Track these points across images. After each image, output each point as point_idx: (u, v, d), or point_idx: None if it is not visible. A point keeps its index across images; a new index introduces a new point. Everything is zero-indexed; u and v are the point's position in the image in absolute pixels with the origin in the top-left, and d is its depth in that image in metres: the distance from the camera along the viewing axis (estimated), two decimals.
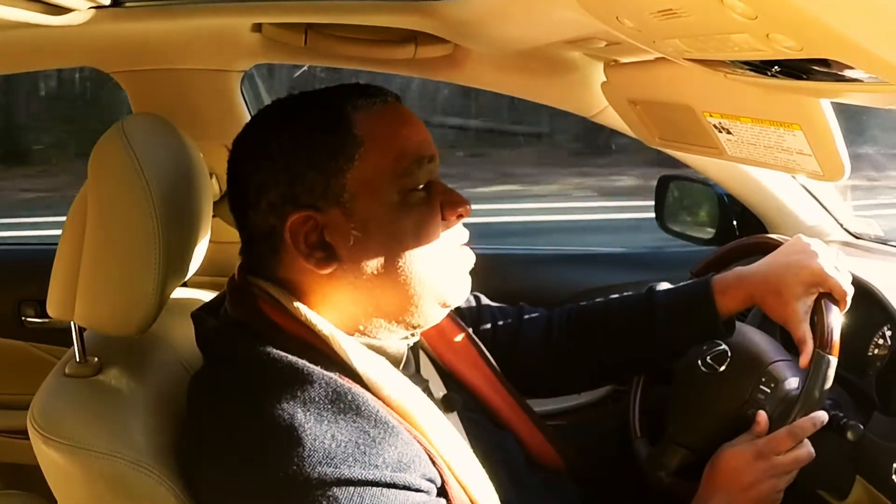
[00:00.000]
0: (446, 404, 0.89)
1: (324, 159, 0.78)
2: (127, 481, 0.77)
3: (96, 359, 0.86)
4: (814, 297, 0.95)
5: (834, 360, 0.91)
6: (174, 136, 0.92)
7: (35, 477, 0.84)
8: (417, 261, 0.80)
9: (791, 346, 0.98)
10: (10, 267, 1.64)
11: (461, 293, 0.86)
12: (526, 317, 1.10)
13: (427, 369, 0.93)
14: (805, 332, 0.94)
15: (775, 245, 1.04)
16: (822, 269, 0.95)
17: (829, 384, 0.90)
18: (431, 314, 0.84)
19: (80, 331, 0.86)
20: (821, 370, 0.90)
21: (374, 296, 0.80)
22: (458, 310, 1.05)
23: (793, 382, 0.97)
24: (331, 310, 0.80)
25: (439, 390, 0.91)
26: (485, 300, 1.11)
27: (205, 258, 0.99)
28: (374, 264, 0.79)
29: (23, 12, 0.90)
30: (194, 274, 0.98)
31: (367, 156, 0.79)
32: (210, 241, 0.99)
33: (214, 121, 1.38)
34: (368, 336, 0.82)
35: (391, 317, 0.82)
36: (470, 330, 1.01)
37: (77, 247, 0.84)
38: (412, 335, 0.86)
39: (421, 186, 0.81)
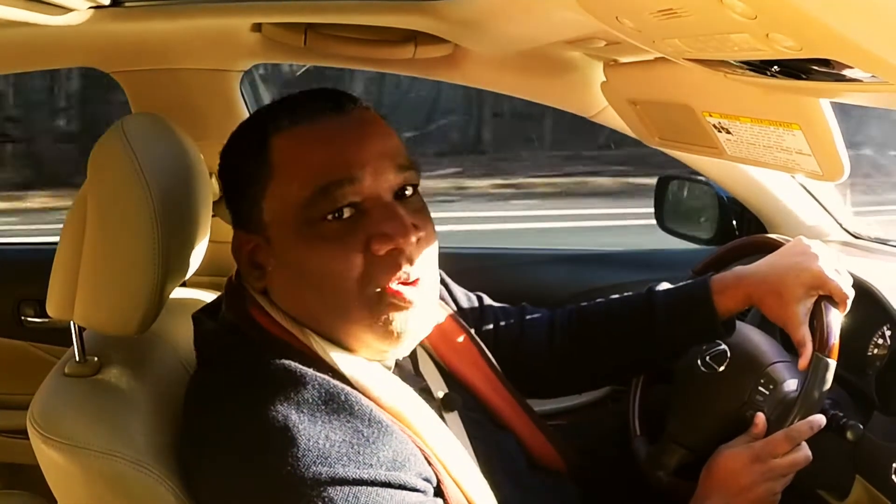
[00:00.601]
0: (446, 403, 0.89)
1: (245, 185, 0.81)
2: (127, 481, 0.77)
3: (96, 358, 0.86)
4: (814, 299, 0.95)
5: (833, 364, 0.90)
6: (174, 136, 0.92)
7: (35, 477, 0.84)
8: (329, 300, 0.77)
9: (791, 347, 0.98)
10: (9, 267, 1.64)
11: (390, 335, 0.78)
12: (528, 318, 1.10)
13: (427, 369, 0.93)
14: (804, 334, 0.93)
15: (775, 245, 1.04)
16: (823, 271, 0.94)
17: (827, 387, 0.90)
18: (376, 349, 0.80)
19: (80, 330, 0.86)
20: (819, 373, 0.90)
21: (312, 321, 0.79)
22: (460, 310, 1.05)
23: (791, 384, 0.97)
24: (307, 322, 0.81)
25: (439, 390, 0.91)
26: (487, 300, 1.11)
27: (204, 258, 0.99)
28: (292, 294, 0.80)
29: (23, 12, 0.90)
30: (194, 274, 0.98)
31: (277, 184, 0.78)
32: (210, 241, 0.99)
33: (214, 121, 1.38)
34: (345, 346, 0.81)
35: (340, 344, 0.79)
36: (472, 330, 1.01)
37: (77, 247, 0.84)
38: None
39: (333, 216, 0.75)
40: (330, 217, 0.75)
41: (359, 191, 0.76)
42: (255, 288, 0.81)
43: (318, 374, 0.75)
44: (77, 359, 0.85)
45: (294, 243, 0.77)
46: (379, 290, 0.76)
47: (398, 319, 0.77)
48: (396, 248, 0.76)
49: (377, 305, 0.77)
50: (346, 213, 0.76)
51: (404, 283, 0.77)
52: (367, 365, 0.79)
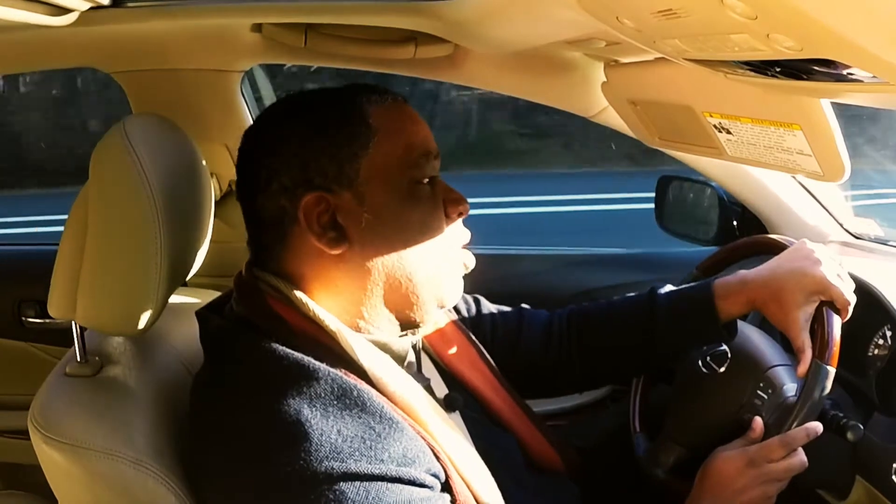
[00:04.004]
0: (447, 403, 0.89)
1: (338, 145, 0.80)
2: (127, 481, 0.77)
3: (97, 358, 0.86)
4: (815, 304, 0.95)
5: (832, 371, 0.90)
6: (175, 136, 0.92)
7: (35, 477, 0.84)
8: (421, 253, 0.82)
9: (792, 348, 0.98)
10: (10, 267, 1.64)
11: (456, 294, 0.87)
12: (526, 319, 1.10)
13: (429, 369, 0.94)
14: (804, 341, 0.93)
15: (776, 245, 1.04)
16: (825, 277, 0.94)
17: (825, 394, 0.90)
18: (430, 312, 0.85)
19: (81, 330, 0.86)
20: (818, 380, 0.90)
21: (378, 283, 0.81)
22: (457, 312, 1.05)
23: (790, 389, 0.97)
24: (335, 297, 0.81)
25: (441, 390, 0.91)
26: (485, 302, 1.11)
27: (205, 258, 0.99)
28: (381, 250, 0.81)
29: (23, 12, 0.90)
30: (195, 274, 0.98)
31: (379, 144, 0.81)
32: (210, 242, 0.99)
33: (214, 121, 1.38)
34: (372, 326, 0.82)
35: (392, 312, 0.83)
36: (470, 332, 1.01)
37: (78, 247, 0.84)
38: (413, 333, 0.86)
39: (426, 181, 0.83)
40: (426, 181, 0.83)
41: (437, 167, 0.85)
42: (332, 251, 0.80)
43: (332, 369, 0.75)
44: (78, 359, 0.85)
45: (395, 198, 0.81)
46: (455, 249, 0.87)
47: (461, 282, 0.88)
48: (462, 213, 0.86)
49: (455, 263, 0.87)
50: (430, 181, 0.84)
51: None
52: (385, 359, 0.80)
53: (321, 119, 0.82)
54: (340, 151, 0.80)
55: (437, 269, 0.84)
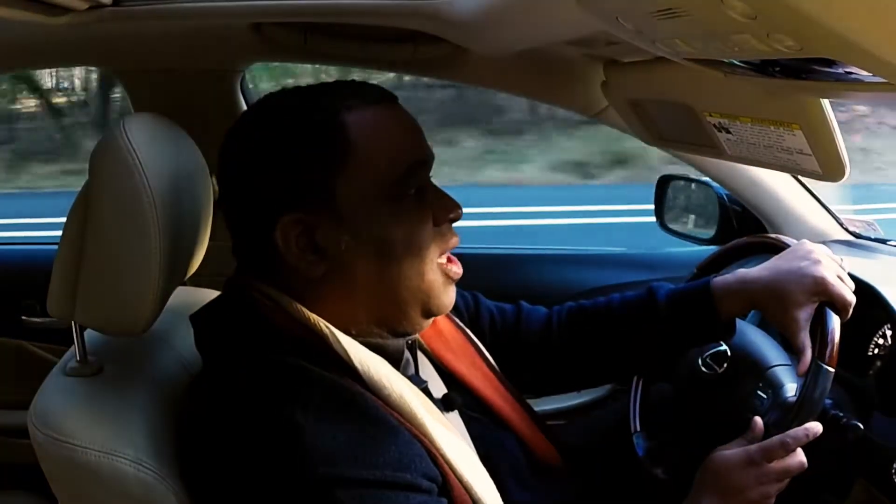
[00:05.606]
0: (446, 403, 0.89)
1: (315, 162, 0.77)
2: (127, 481, 0.77)
3: (96, 358, 0.86)
4: (815, 305, 0.94)
5: (831, 372, 0.90)
6: (175, 135, 0.92)
7: (35, 477, 0.84)
8: (406, 268, 0.80)
9: (792, 348, 0.98)
10: (10, 267, 1.64)
11: (446, 303, 0.85)
12: (525, 315, 1.10)
13: (426, 369, 0.93)
14: (804, 341, 0.93)
15: (776, 245, 1.04)
16: (826, 277, 0.94)
17: (825, 394, 0.90)
18: (419, 322, 0.84)
19: (81, 330, 0.86)
20: (818, 381, 0.90)
21: (363, 300, 0.80)
22: (455, 309, 1.05)
23: (790, 389, 0.97)
24: (322, 309, 0.80)
25: (438, 390, 0.91)
26: (483, 299, 1.10)
27: (205, 258, 0.99)
28: (363, 269, 0.79)
29: (23, 12, 0.90)
30: (195, 273, 0.98)
31: (358, 160, 0.77)
32: (210, 241, 0.99)
33: (214, 120, 1.36)
34: (361, 335, 0.82)
35: (380, 322, 0.82)
36: (468, 329, 1.01)
37: (77, 246, 0.84)
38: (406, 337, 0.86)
39: (412, 192, 0.80)
40: (412, 192, 0.80)
41: (427, 174, 0.83)
42: (313, 274, 0.78)
43: (326, 373, 0.74)
44: (78, 359, 0.85)
45: (377, 216, 0.78)
46: (444, 259, 0.83)
47: (452, 291, 0.85)
48: (454, 219, 0.83)
49: (442, 273, 0.83)
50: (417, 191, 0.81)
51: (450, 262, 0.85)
52: (379, 362, 0.79)
53: (297, 133, 0.77)
54: (317, 169, 0.77)
55: (422, 281, 0.81)
